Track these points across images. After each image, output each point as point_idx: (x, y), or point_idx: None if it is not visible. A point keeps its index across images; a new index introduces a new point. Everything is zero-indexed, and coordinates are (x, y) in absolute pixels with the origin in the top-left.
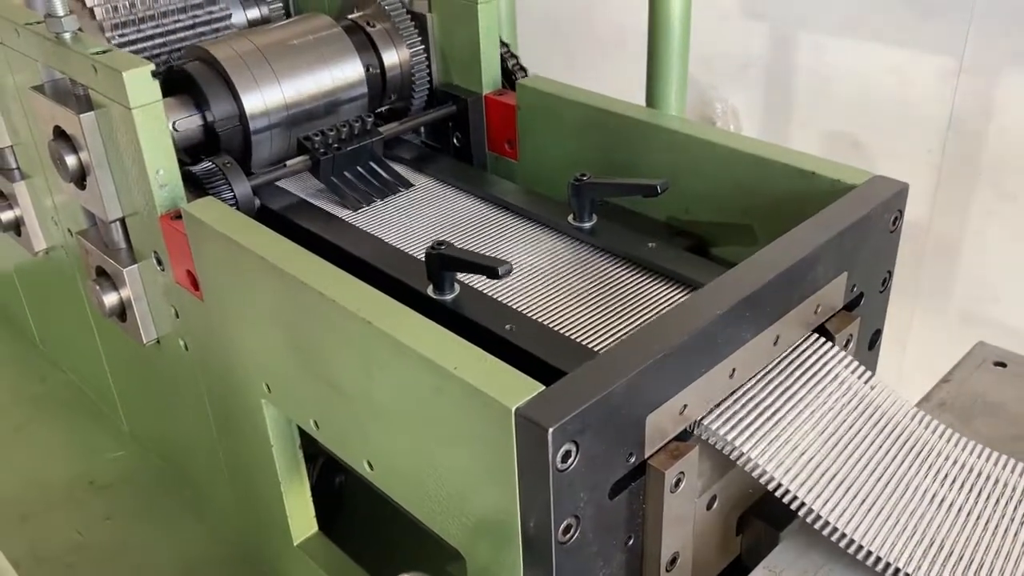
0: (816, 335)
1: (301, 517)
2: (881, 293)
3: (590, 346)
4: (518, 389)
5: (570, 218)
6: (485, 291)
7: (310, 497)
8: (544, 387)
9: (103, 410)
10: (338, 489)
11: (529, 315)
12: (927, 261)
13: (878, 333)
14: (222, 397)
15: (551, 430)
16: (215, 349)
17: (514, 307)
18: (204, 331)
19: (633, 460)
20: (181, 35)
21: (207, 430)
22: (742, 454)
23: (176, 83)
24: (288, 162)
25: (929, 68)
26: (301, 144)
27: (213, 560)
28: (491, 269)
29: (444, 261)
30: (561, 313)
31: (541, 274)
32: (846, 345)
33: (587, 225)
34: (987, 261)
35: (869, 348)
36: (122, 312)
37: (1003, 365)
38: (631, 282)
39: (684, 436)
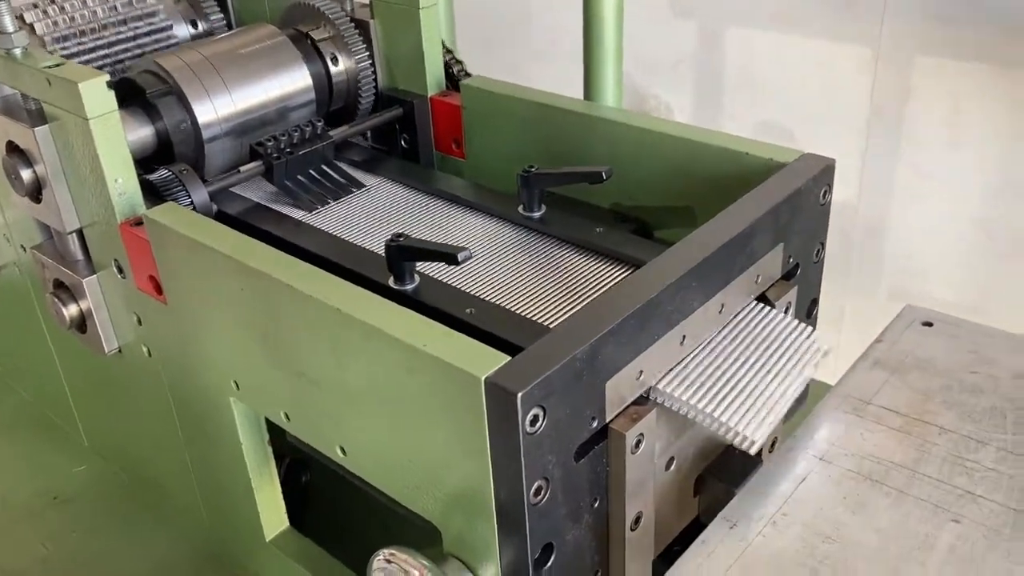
0: (758, 303)
1: (272, 513)
2: (815, 263)
3: (548, 324)
4: (485, 360)
5: (520, 209)
6: (444, 280)
7: (280, 493)
8: (510, 358)
9: (62, 427)
10: (305, 487)
11: (488, 299)
12: (856, 243)
13: (814, 302)
14: (188, 399)
15: (520, 395)
16: (181, 352)
17: (473, 293)
18: (169, 335)
19: (596, 424)
20: (123, 47)
21: (173, 435)
22: (697, 410)
23: (127, 95)
24: (242, 168)
25: (849, 58)
26: (253, 150)
27: (184, 564)
28: (450, 256)
29: (403, 252)
30: (519, 296)
31: (497, 262)
32: (786, 312)
33: (537, 215)
34: (912, 238)
35: (807, 316)
36: (82, 323)
37: (930, 324)
38: (582, 265)
39: (642, 401)
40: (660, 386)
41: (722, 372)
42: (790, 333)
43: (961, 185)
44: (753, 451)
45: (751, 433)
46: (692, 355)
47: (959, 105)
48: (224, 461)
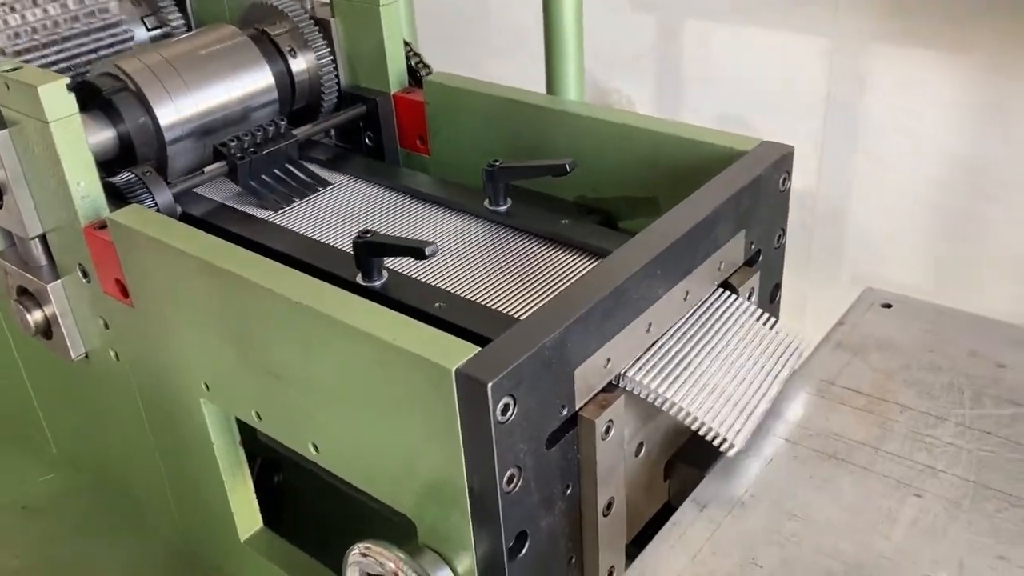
0: (722, 289)
1: (246, 513)
2: (776, 249)
3: (517, 316)
4: (456, 351)
5: (486, 203)
6: (412, 275)
7: (253, 493)
8: (480, 349)
9: (29, 435)
10: (278, 487)
11: (457, 293)
12: (817, 230)
13: (777, 287)
14: (158, 402)
15: (490, 384)
16: (149, 355)
17: (442, 287)
18: (136, 338)
19: (565, 412)
20: (85, 59)
21: (143, 438)
22: (665, 399)
23: (87, 98)
24: (206, 169)
25: (806, 48)
26: (217, 151)
27: (158, 568)
28: (418, 250)
29: (371, 248)
30: (487, 289)
31: (464, 256)
32: (749, 297)
33: (503, 208)
34: (871, 224)
35: (770, 301)
36: (47, 330)
37: (889, 306)
38: (549, 257)
39: (610, 388)
40: (639, 379)
41: (696, 366)
42: (767, 331)
43: (917, 171)
44: (731, 454)
45: (732, 437)
46: (668, 347)
47: (913, 92)
48: (196, 463)
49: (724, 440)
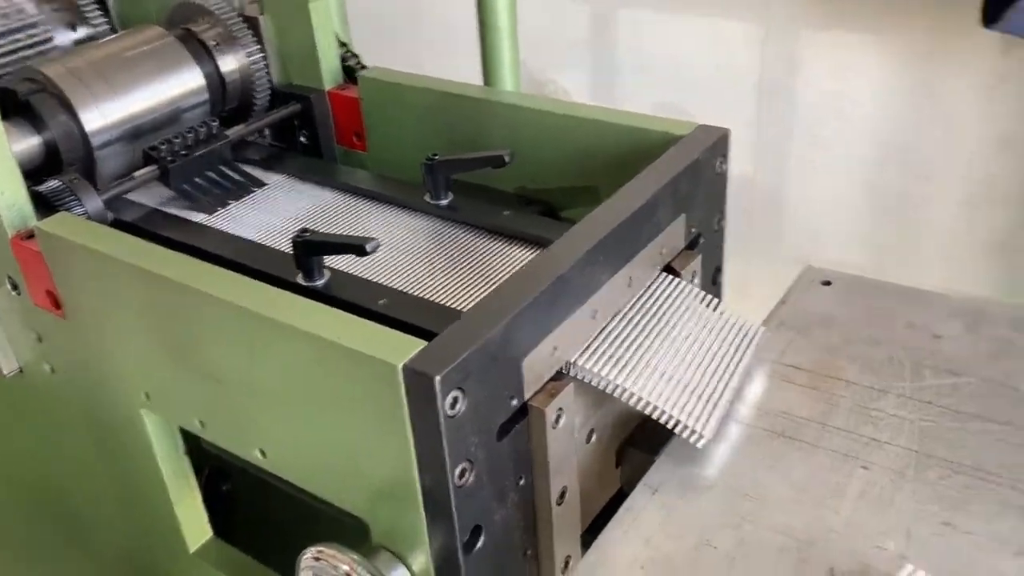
0: (665, 273)
1: (194, 524)
2: (716, 232)
3: (462, 309)
4: (401, 347)
5: (426, 197)
6: (355, 273)
7: (201, 503)
8: (426, 343)
9: None
10: (227, 496)
11: (400, 289)
12: (756, 215)
13: (719, 270)
14: (98, 415)
15: (438, 378)
16: (86, 367)
17: (385, 284)
18: (72, 351)
19: (515, 403)
20: (2, 61)
21: (84, 453)
22: (615, 385)
23: (8, 105)
24: (136, 173)
25: (739, 35)
26: (147, 154)
27: None
28: (359, 247)
29: (311, 247)
30: (431, 284)
31: (407, 251)
32: (692, 280)
33: (444, 202)
34: (809, 207)
35: (712, 283)
36: None
37: (829, 283)
38: (493, 249)
39: (559, 376)
40: (587, 366)
41: (644, 350)
42: (718, 317)
43: (851, 152)
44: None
45: (700, 428)
46: (615, 333)
47: (846, 76)
48: (139, 475)
49: (694, 432)
